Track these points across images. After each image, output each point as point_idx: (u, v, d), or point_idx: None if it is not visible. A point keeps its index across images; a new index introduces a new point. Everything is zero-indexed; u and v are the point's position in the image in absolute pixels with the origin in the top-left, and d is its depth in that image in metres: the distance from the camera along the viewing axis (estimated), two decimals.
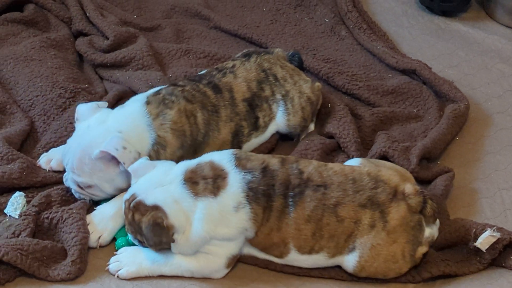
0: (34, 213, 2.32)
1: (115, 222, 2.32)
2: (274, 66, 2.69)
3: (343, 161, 2.51)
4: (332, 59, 3.15)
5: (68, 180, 2.38)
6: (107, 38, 3.09)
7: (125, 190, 2.33)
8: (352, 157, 2.55)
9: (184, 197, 2.14)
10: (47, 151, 2.57)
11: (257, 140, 2.63)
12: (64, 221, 2.30)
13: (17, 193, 2.40)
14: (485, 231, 2.23)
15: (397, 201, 2.18)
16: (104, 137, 2.30)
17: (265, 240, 2.19)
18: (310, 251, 2.20)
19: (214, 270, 2.20)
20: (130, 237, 2.24)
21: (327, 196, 2.17)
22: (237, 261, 2.26)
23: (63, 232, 2.28)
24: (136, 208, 2.15)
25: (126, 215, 2.18)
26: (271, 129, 2.66)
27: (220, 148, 2.47)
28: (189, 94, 2.47)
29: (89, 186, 2.34)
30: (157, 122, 2.37)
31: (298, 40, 3.29)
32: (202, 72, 2.68)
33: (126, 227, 2.23)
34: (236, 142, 2.55)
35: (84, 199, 2.38)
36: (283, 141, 2.73)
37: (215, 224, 2.14)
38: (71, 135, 2.58)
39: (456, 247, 2.31)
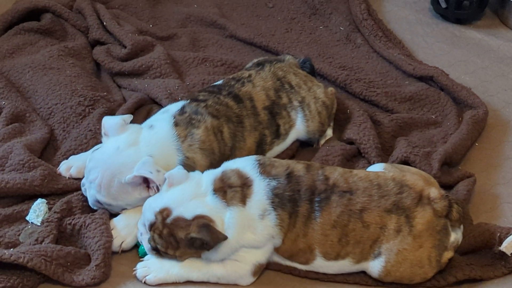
0: (56, 220, 2.32)
1: None
2: (288, 74, 2.69)
3: (364, 167, 2.51)
4: (349, 67, 3.16)
5: (89, 193, 2.35)
6: (125, 47, 3.10)
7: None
8: (373, 163, 2.55)
9: (217, 206, 2.14)
10: (67, 158, 2.57)
11: (279, 148, 2.63)
12: (87, 227, 2.29)
13: (39, 200, 2.40)
14: (510, 235, 2.23)
15: (422, 206, 2.17)
16: (134, 162, 2.27)
17: (291, 247, 2.19)
18: (336, 257, 2.19)
19: (240, 276, 2.19)
20: (148, 249, 2.21)
21: (353, 202, 2.16)
22: None
23: (86, 237, 2.28)
24: (175, 224, 2.13)
25: (159, 229, 2.15)
26: (292, 136, 2.66)
27: None
28: (213, 110, 2.45)
29: (109, 205, 2.33)
30: (185, 144, 2.35)
31: (314, 48, 3.30)
32: (218, 83, 2.67)
33: (154, 240, 2.18)
34: (260, 151, 2.54)
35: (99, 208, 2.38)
36: (303, 148, 2.73)
37: (243, 232, 2.14)
38: (91, 142, 2.60)
39: (481, 251, 2.31)
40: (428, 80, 3.05)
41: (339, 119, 2.82)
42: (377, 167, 2.37)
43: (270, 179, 2.18)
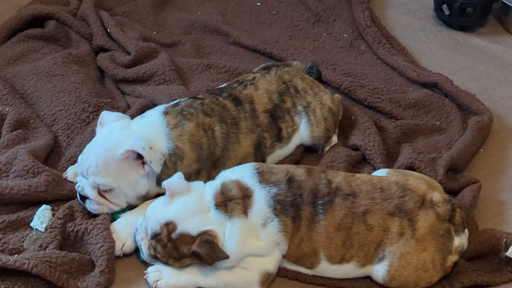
0: (60, 226, 2.32)
1: None
2: (294, 78, 2.69)
3: (369, 173, 2.50)
4: (353, 73, 3.16)
5: (87, 186, 2.34)
6: (129, 54, 3.11)
7: (143, 198, 2.36)
8: (378, 169, 2.54)
9: (220, 221, 2.14)
10: (72, 165, 2.57)
11: (281, 151, 2.63)
12: (89, 233, 2.29)
13: (44, 207, 2.39)
14: None
15: (425, 209, 2.17)
16: (128, 139, 2.31)
17: (296, 251, 2.18)
18: (341, 260, 2.18)
19: (248, 283, 2.18)
20: (146, 254, 2.21)
21: (356, 205, 2.16)
22: None
23: (89, 243, 2.27)
24: (180, 240, 2.13)
25: (163, 241, 2.15)
26: (295, 140, 2.66)
27: (243, 160, 2.47)
28: (208, 108, 2.47)
29: (110, 190, 2.32)
30: (175, 132, 2.37)
31: (318, 55, 3.30)
32: (223, 85, 2.68)
33: (155, 249, 2.17)
34: (259, 154, 2.54)
35: (99, 212, 2.36)
36: (308, 154, 2.73)
37: (246, 242, 2.13)
38: None
39: (487, 257, 2.30)
40: (432, 86, 3.05)
41: (344, 125, 2.82)
42: (380, 172, 2.38)
43: (270, 186, 2.18)
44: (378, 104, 2.93)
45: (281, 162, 2.62)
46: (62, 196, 2.45)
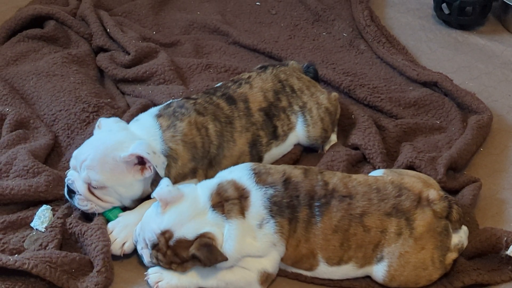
0: (60, 225, 2.31)
1: None
2: (291, 77, 2.69)
3: (369, 172, 2.50)
4: (352, 72, 3.16)
5: (78, 180, 2.31)
6: (128, 54, 3.11)
7: (137, 201, 2.35)
8: (378, 168, 2.55)
9: (218, 222, 2.13)
10: None
11: (278, 149, 2.62)
12: (83, 234, 2.28)
13: (44, 207, 2.39)
14: None
15: (422, 208, 2.17)
16: (129, 141, 2.30)
17: (294, 253, 2.18)
18: (339, 262, 2.18)
19: (248, 283, 2.18)
20: (148, 262, 2.21)
21: (352, 206, 2.16)
22: None
23: (85, 244, 2.27)
24: (178, 245, 2.12)
25: (162, 250, 2.15)
26: (292, 139, 2.65)
27: (239, 159, 2.47)
28: (200, 107, 2.47)
29: (102, 188, 2.30)
30: (167, 134, 2.37)
31: (317, 54, 3.30)
32: (218, 85, 2.68)
33: (156, 258, 2.17)
34: (255, 152, 2.54)
35: (87, 209, 2.33)
36: (307, 153, 2.73)
37: (244, 242, 2.13)
38: None
39: (487, 256, 2.30)
40: (432, 85, 3.05)
41: (344, 124, 2.82)
42: (376, 173, 2.37)
43: (266, 187, 2.18)
44: (378, 103, 2.93)
45: (280, 161, 2.63)
46: (63, 196, 2.43)
